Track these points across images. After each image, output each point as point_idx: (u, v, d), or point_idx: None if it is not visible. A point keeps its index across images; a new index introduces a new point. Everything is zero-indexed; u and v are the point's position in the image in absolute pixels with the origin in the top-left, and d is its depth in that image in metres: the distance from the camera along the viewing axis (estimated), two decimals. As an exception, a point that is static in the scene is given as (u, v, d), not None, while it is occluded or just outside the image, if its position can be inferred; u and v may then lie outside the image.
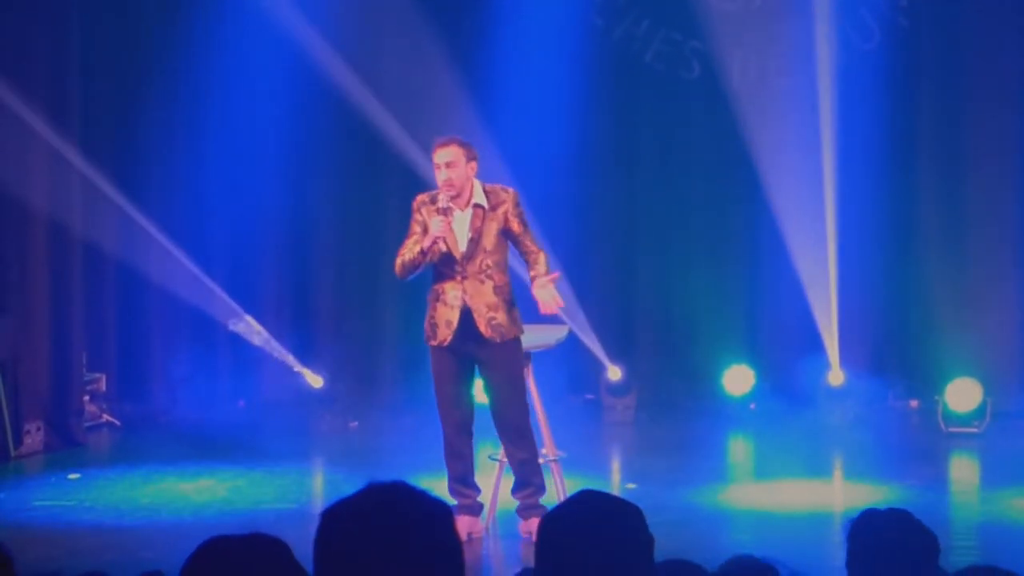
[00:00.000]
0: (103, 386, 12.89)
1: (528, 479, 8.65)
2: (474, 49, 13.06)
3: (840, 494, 10.61)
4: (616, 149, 13.31)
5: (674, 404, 12.91)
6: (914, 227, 12.96)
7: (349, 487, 3.02)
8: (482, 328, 8.45)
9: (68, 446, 11.77)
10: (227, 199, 13.15)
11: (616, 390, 12.93)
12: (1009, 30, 12.68)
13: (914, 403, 12.85)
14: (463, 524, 8.47)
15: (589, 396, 13.14)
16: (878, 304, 13.00)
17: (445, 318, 8.51)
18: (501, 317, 8.49)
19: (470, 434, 8.69)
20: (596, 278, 13.31)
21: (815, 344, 12.74)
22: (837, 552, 9.00)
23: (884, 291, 12.99)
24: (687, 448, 11.71)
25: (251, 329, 13.08)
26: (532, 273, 8.58)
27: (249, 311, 13.14)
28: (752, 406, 12.91)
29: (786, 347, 12.94)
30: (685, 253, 13.24)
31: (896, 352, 12.96)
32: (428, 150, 12.34)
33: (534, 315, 8.92)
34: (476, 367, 8.63)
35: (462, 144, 8.59)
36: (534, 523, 7.31)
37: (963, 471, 11.61)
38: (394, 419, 12.78)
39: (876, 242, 12.91)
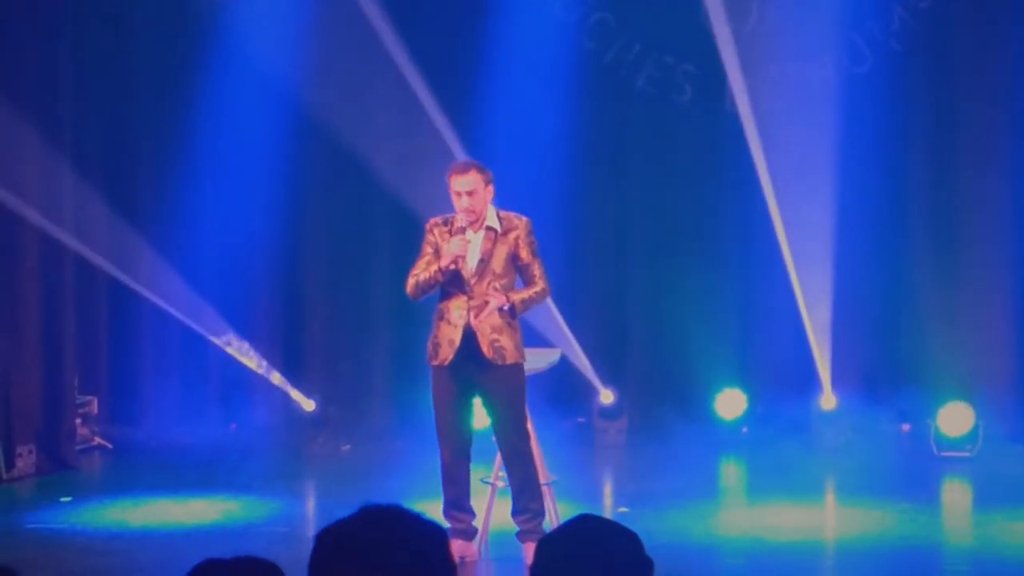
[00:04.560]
0: (95, 409, 12.88)
1: (526, 504, 8.60)
2: (465, 73, 13.05)
3: (833, 519, 10.59)
4: (608, 172, 13.31)
5: (666, 428, 12.88)
6: (906, 250, 12.97)
7: (341, 510, 3.01)
8: (484, 349, 8.37)
9: (60, 469, 11.73)
10: (220, 222, 13.13)
11: (608, 414, 12.92)
12: (1000, 54, 12.70)
13: (906, 427, 12.82)
14: (456, 547, 8.43)
15: (581, 419, 13.13)
16: (870, 328, 12.99)
17: (448, 337, 8.42)
18: (505, 340, 8.42)
19: (467, 458, 8.60)
20: (588, 301, 13.30)
21: (807, 368, 12.74)
22: (830, 576, 9.02)
23: (876, 315, 12.99)
24: (679, 472, 11.69)
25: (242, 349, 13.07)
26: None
27: (241, 334, 13.12)
28: (744, 430, 12.91)
29: (778, 371, 12.94)
30: (677, 277, 13.23)
31: (888, 376, 12.94)
32: (419, 174, 12.34)
33: (527, 339, 8.90)
34: (476, 390, 8.54)
35: (480, 170, 8.53)
36: (531, 548, 7.26)
37: (955, 495, 11.61)
38: (386, 442, 12.77)
39: (868, 266, 12.91)
